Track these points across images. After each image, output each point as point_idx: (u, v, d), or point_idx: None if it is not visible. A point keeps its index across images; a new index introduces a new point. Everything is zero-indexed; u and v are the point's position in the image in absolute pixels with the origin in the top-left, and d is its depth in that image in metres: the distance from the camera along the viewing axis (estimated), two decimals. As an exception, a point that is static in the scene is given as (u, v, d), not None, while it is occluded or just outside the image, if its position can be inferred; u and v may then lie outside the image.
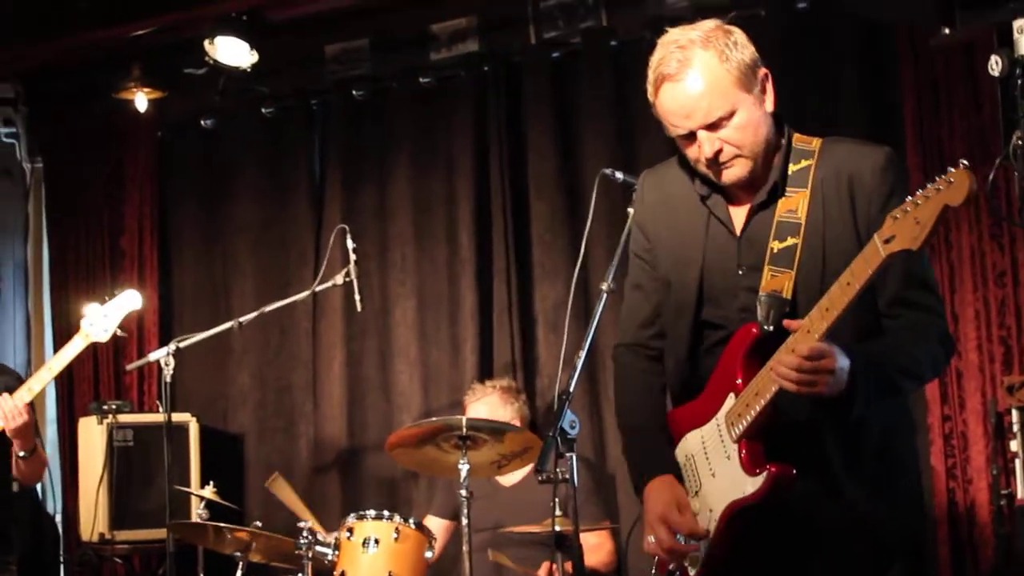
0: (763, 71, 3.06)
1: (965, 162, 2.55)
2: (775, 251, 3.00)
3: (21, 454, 5.14)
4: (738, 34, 3.05)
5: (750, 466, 2.95)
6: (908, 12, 5.25)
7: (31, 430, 5.15)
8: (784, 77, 5.34)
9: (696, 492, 3.11)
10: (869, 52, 5.55)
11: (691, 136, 3.02)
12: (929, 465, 5.19)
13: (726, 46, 3.00)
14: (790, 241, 2.98)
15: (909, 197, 2.62)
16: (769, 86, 3.07)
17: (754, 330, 2.97)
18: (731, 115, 2.98)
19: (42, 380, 5.15)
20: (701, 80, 2.98)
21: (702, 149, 3.01)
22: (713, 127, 2.99)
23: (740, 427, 2.97)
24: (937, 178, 2.56)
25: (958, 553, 5.12)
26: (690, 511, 3.08)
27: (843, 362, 2.77)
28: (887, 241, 2.64)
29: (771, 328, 2.93)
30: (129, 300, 5.32)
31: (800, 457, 2.93)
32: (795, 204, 3.02)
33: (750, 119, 3.01)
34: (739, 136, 3.00)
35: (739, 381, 2.99)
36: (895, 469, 3.06)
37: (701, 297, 3.12)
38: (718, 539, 3.02)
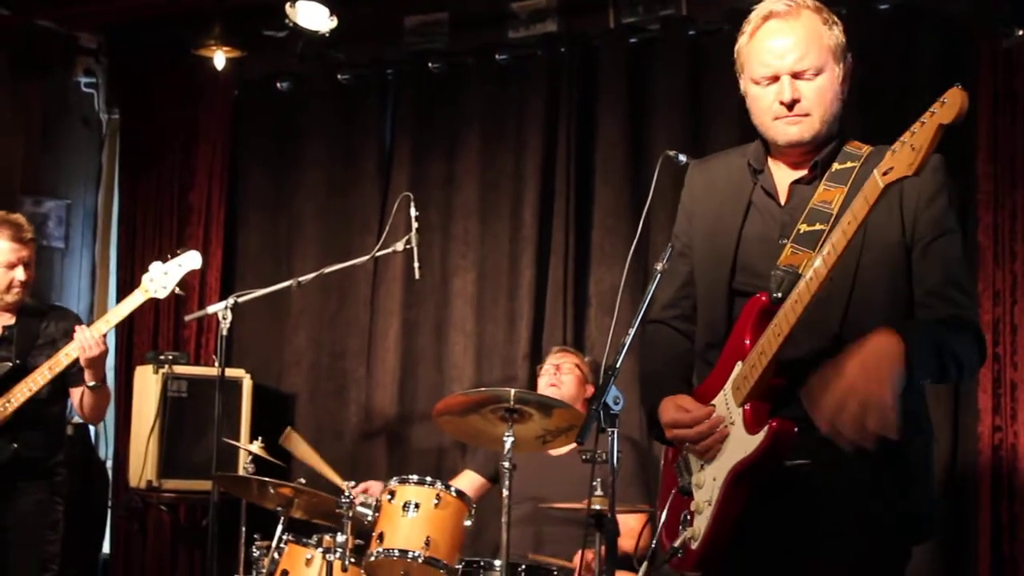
0: (851, 58, 3.14)
1: (959, 84, 2.58)
2: (801, 232, 3.02)
3: (92, 384, 5.24)
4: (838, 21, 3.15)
5: (753, 425, 2.96)
6: (989, 17, 5.20)
7: (104, 361, 5.28)
8: (860, 77, 5.43)
9: (701, 467, 3.12)
10: (948, 56, 5.48)
11: (773, 80, 3.07)
12: (975, 474, 5.16)
13: (830, 18, 3.12)
14: (818, 226, 2.99)
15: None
16: (849, 74, 3.13)
17: (763, 298, 3.00)
18: (818, 73, 3.05)
19: (99, 331, 5.25)
20: (805, 28, 3.07)
21: (781, 92, 3.05)
22: (798, 76, 3.05)
23: (745, 390, 2.99)
24: (933, 103, 2.60)
25: (999, 566, 5.07)
26: (694, 405, 3.10)
27: (894, 352, 2.73)
28: (885, 173, 2.69)
29: (780, 296, 2.95)
30: (190, 260, 5.41)
31: (809, 435, 2.91)
32: (831, 197, 3.03)
33: (831, 87, 3.08)
34: (816, 97, 3.06)
35: (747, 342, 3.00)
36: (910, 461, 3.04)
37: (735, 265, 3.15)
38: (721, 506, 3.02)
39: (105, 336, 5.23)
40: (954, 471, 5.23)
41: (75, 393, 5.34)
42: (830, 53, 3.07)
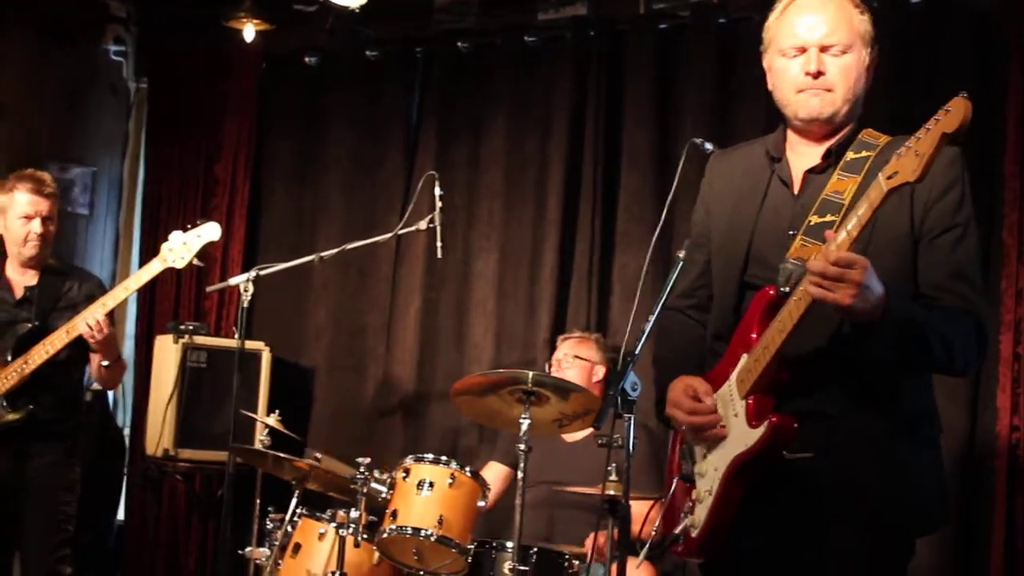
0: (876, 50, 3.18)
1: (965, 93, 2.60)
2: (811, 223, 3.03)
3: (105, 363, 5.29)
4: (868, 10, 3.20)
5: (754, 418, 2.99)
6: (1020, 13, 5.17)
7: (114, 342, 5.33)
8: (890, 70, 5.41)
9: (704, 456, 3.15)
10: (979, 52, 5.44)
11: (800, 51, 3.11)
12: (992, 472, 5.14)
13: (862, 4, 3.18)
14: (829, 218, 3.00)
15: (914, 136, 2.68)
16: (874, 63, 3.18)
17: (771, 292, 3.01)
18: (845, 51, 3.11)
19: (116, 298, 5.27)
20: (837, 7, 3.14)
21: (807, 62, 3.09)
22: (825, 50, 3.10)
23: (749, 382, 3.01)
24: (938, 110, 2.62)
25: (1012, 563, 5.06)
26: (704, 388, 3.12)
27: (875, 286, 2.77)
28: (890, 177, 2.70)
29: (787, 290, 2.95)
30: (209, 231, 5.42)
31: (814, 429, 2.96)
32: (843, 187, 3.04)
33: (856, 67, 3.12)
34: (841, 75, 3.10)
35: (753, 335, 3.02)
36: (914, 455, 3.05)
37: (748, 257, 3.16)
38: (721, 497, 3.05)
39: (111, 316, 5.23)
40: (970, 469, 5.21)
41: (93, 359, 5.37)
42: (858, 36, 3.13)
